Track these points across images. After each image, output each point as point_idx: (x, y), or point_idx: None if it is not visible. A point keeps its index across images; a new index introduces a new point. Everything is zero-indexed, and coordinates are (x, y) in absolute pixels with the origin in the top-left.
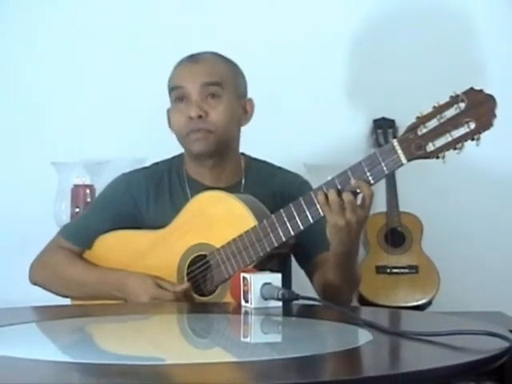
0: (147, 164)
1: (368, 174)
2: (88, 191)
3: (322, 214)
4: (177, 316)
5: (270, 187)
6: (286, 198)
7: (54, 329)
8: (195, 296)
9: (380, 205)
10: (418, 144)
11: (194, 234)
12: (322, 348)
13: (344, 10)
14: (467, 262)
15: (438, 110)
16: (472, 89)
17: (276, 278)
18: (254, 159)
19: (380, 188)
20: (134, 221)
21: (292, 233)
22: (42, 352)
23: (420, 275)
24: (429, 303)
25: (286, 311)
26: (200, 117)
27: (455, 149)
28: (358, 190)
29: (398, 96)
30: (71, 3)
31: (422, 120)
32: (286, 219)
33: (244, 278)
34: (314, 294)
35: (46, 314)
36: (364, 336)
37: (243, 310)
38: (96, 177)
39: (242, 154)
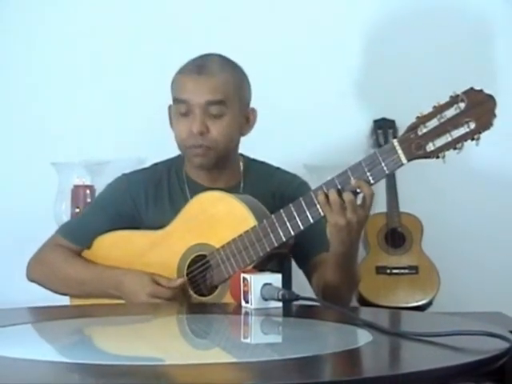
0: (147, 164)
1: (368, 173)
2: (88, 192)
3: (322, 213)
4: (176, 316)
5: (269, 188)
6: (285, 199)
7: (52, 329)
8: (195, 296)
9: (380, 205)
10: (418, 144)
11: (193, 234)
12: (322, 349)
13: (344, 12)
14: (467, 262)
15: (438, 109)
16: (472, 89)
17: (276, 279)
18: (253, 160)
19: (380, 188)
20: (133, 221)
21: (292, 233)
22: (41, 352)
23: (420, 276)
24: (429, 304)
25: (286, 312)
26: (201, 133)
27: (455, 148)
28: (359, 190)
29: (398, 96)
30: (71, 3)
31: (422, 120)
32: (286, 219)
33: (244, 278)
34: (313, 295)
35: (44, 315)
36: (364, 336)
37: (243, 310)
38: (96, 177)
39: (241, 154)
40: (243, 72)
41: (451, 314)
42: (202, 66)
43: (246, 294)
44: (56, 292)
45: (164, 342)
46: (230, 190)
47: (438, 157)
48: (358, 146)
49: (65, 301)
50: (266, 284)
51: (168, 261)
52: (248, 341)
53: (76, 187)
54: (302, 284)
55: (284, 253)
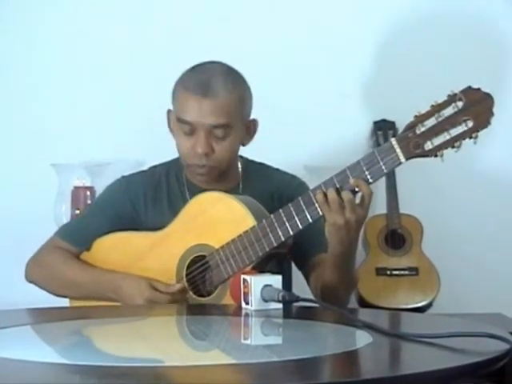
0: (147, 166)
1: (367, 172)
2: (88, 193)
3: (320, 213)
4: (176, 318)
5: (268, 189)
6: (284, 200)
7: (52, 331)
8: (194, 297)
9: (380, 206)
10: (416, 143)
11: (193, 235)
12: (322, 350)
13: (345, 14)
14: (467, 263)
15: (436, 108)
16: (470, 87)
17: (276, 280)
18: (252, 161)
19: (380, 189)
20: (132, 223)
21: (291, 232)
22: (41, 354)
23: (420, 277)
24: (429, 305)
25: (287, 313)
26: (206, 154)
27: (453, 147)
28: (357, 189)
29: (398, 98)
30: (71, 3)
31: (420, 119)
32: (285, 219)
33: (244, 279)
34: (312, 296)
35: (44, 316)
36: (364, 338)
37: (243, 311)
38: (96, 179)
39: (240, 156)
40: (246, 83)
41: (451, 315)
42: (206, 85)
43: (246, 295)
44: (54, 294)
45: (163, 343)
46: (230, 191)
47: (436, 155)
48: (358, 147)
49: (64, 302)
50: (266, 285)
51: (167, 262)
52: (248, 342)
53: (76, 188)
54: (302, 285)
55: (283, 253)
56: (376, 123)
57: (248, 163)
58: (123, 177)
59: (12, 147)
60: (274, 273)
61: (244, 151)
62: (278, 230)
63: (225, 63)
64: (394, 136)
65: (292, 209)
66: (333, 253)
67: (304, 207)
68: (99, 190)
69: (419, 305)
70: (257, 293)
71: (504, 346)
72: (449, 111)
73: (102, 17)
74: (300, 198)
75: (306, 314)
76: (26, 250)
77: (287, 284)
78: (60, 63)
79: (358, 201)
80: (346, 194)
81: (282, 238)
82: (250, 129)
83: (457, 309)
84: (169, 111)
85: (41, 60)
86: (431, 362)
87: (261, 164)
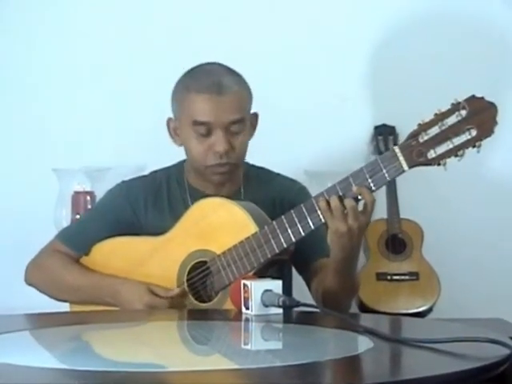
0: (148, 171)
1: (369, 180)
2: (88, 198)
3: (323, 220)
4: (177, 323)
5: (269, 194)
6: (285, 204)
7: (51, 336)
8: (195, 302)
9: (380, 211)
10: (419, 151)
11: (194, 241)
12: (322, 355)
13: (345, 18)
14: (468, 268)
15: (440, 117)
16: (473, 96)
17: (277, 285)
18: (252, 166)
19: (380, 194)
20: (133, 228)
21: (293, 239)
22: (40, 359)
23: (421, 282)
24: (429, 310)
25: (287, 318)
26: (227, 152)
27: (456, 156)
28: (360, 197)
29: (398, 103)
30: (71, 3)
31: (424, 127)
32: (287, 225)
33: (245, 284)
34: (313, 301)
35: (42, 322)
36: (365, 343)
37: (244, 316)
38: (97, 183)
39: None
40: (246, 81)
41: (452, 320)
42: (218, 84)
43: (246, 300)
44: (53, 297)
45: (164, 348)
46: (232, 196)
47: (439, 164)
48: (359, 152)
49: (63, 307)
50: (266, 290)
51: (168, 267)
52: (249, 347)
53: (76, 193)
54: (302, 290)
55: (285, 259)
56: (376, 128)
57: (249, 168)
58: (123, 181)
59: (13, 151)
60: (274, 278)
61: (246, 157)
62: (280, 236)
63: (220, 63)
64: (394, 141)
65: (294, 215)
66: (334, 259)
67: (306, 214)
68: (99, 194)
69: (419, 310)
70: (257, 298)
71: (504, 351)
72: (452, 120)
73: (102, 18)
74: (302, 204)
75: (307, 319)
76: (27, 254)
77: (287, 289)
78: (60, 65)
79: (360, 208)
80: (348, 202)
81: (284, 245)
82: (253, 123)
83: (457, 314)
84: (169, 120)
85: (41, 61)
86: (432, 367)
87: (262, 169)
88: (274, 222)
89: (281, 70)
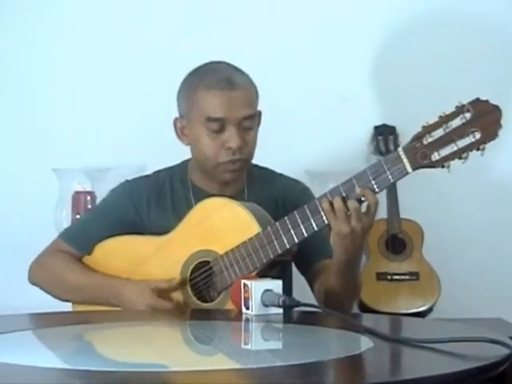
0: (148, 171)
1: (373, 182)
2: (89, 198)
3: (326, 221)
4: (179, 323)
5: (272, 194)
6: (287, 204)
7: (53, 336)
8: (197, 302)
9: (381, 211)
10: (423, 153)
11: (197, 241)
12: (323, 355)
13: (345, 18)
14: (468, 268)
15: (444, 119)
16: (478, 99)
17: (277, 285)
18: (256, 166)
19: (381, 194)
20: (135, 228)
21: (296, 240)
22: (42, 359)
23: (421, 282)
24: (429, 310)
25: (287, 318)
26: (240, 148)
27: (460, 158)
28: (363, 198)
29: (398, 103)
30: (71, 3)
31: (428, 129)
32: (290, 226)
33: (245, 284)
34: (314, 301)
35: (45, 321)
36: (365, 343)
37: (244, 316)
38: (97, 183)
39: None
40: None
41: (452, 320)
42: (228, 80)
43: (246, 300)
44: (56, 297)
45: (167, 348)
46: (236, 196)
47: (443, 166)
48: (359, 152)
49: (65, 307)
50: (266, 290)
51: (171, 267)
52: (250, 347)
53: (77, 193)
54: (302, 290)
55: (287, 260)
56: (376, 128)
57: (252, 168)
58: (127, 181)
59: (13, 152)
60: (274, 278)
61: None
62: (283, 237)
63: (226, 61)
64: (394, 141)
65: (297, 216)
66: (337, 260)
67: (310, 215)
68: (100, 194)
69: (420, 310)
70: (257, 298)
71: (504, 351)
72: (456, 122)
73: (102, 18)
74: (306, 206)
75: (307, 318)
76: (27, 254)
77: (288, 289)
78: (60, 65)
79: (363, 210)
80: (351, 203)
81: (287, 246)
82: (259, 120)
83: (457, 314)
84: (176, 119)
85: (41, 61)
86: (432, 366)
87: (265, 169)
88: (277, 223)
89: (281, 70)
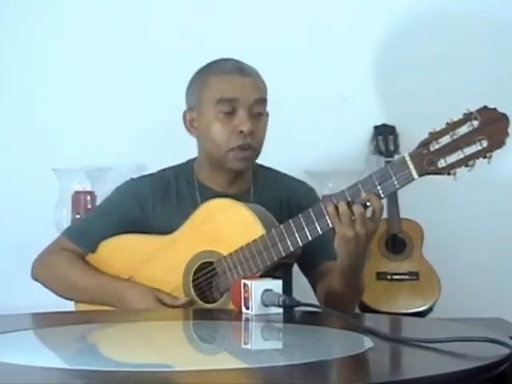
0: (148, 171)
1: (379, 187)
2: (89, 198)
3: (330, 225)
4: (182, 322)
5: (277, 194)
6: (292, 205)
7: (55, 335)
8: (200, 303)
9: None
10: (429, 160)
11: (201, 241)
12: (323, 355)
13: (345, 17)
14: (468, 268)
15: (451, 126)
16: (486, 107)
17: (277, 285)
18: (261, 166)
19: None
20: (140, 226)
21: (300, 243)
22: (43, 359)
23: (421, 282)
24: (429, 310)
25: (287, 318)
26: (251, 133)
27: (467, 166)
28: (368, 203)
29: (398, 103)
30: (71, 3)
31: (435, 136)
32: (294, 229)
33: (245, 284)
34: (314, 301)
35: (46, 321)
36: (365, 343)
37: (244, 316)
38: (97, 183)
39: None
40: None
41: (452, 320)
42: (241, 67)
43: (246, 300)
44: (58, 295)
45: (170, 347)
46: (241, 195)
47: (449, 173)
48: (359, 152)
49: (66, 307)
50: (266, 290)
51: (174, 266)
52: (253, 347)
53: (76, 193)
54: (302, 290)
55: (291, 263)
56: (376, 128)
57: (258, 167)
58: (132, 179)
59: (12, 152)
60: (274, 277)
61: None
62: (287, 240)
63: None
64: (394, 141)
65: (302, 219)
66: (341, 264)
67: (314, 218)
68: (100, 194)
69: (420, 309)
70: (257, 297)
71: (504, 351)
72: (464, 130)
73: (101, 18)
74: (311, 209)
75: (307, 318)
76: (27, 255)
77: (288, 289)
78: (60, 65)
79: (368, 214)
80: (357, 208)
81: (291, 249)
82: (267, 118)
83: (457, 313)
84: (185, 112)
85: (41, 61)
86: (432, 366)
87: (269, 169)
88: (282, 226)
89: (281, 70)
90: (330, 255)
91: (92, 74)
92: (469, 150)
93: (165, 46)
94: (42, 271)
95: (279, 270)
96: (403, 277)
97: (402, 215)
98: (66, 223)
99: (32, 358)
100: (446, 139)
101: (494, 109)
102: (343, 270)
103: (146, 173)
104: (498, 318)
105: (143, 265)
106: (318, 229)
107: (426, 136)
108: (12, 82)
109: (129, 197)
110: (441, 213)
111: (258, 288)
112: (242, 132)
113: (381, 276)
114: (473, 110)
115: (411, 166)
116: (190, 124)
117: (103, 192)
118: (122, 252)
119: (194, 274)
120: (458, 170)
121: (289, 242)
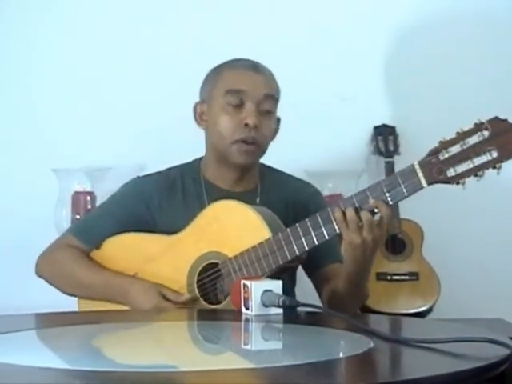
0: (148, 171)
1: (387, 194)
2: (89, 198)
3: (337, 231)
4: (187, 323)
5: (283, 194)
6: (297, 206)
7: (57, 336)
8: (204, 303)
9: None
10: (439, 168)
11: (207, 242)
12: (323, 355)
13: (346, 17)
14: (468, 268)
15: (462, 136)
16: (497, 118)
17: (276, 285)
18: (268, 166)
19: None
20: (146, 224)
21: (306, 248)
22: (44, 359)
23: (420, 282)
24: (429, 310)
25: (287, 318)
26: (256, 127)
27: (476, 175)
28: (376, 210)
29: (398, 103)
30: (71, 4)
31: (445, 145)
32: (301, 234)
33: (245, 285)
34: (315, 302)
35: (48, 321)
36: (365, 343)
37: (244, 317)
38: (97, 183)
39: None
40: None
41: (452, 320)
42: (255, 65)
43: (246, 300)
44: (62, 291)
45: (175, 348)
46: (248, 194)
47: (458, 183)
48: (359, 152)
49: (67, 307)
50: (266, 290)
51: (179, 266)
52: (256, 347)
53: (76, 193)
54: (304, 291)
55: (296, 266)
56: (376, 128)
57: (264, 168)
58: (138, 177)
59: (12, 152)
60: (274, 278)
61: None
62: (294, 244)
63: None
64: (394, 141)
65: (309, 224)
66: (347, 270)
67: (321, 223)
68: (100, 194)
69: (419, 310)
70: (257, 298)
71: (504, 352)
72: (474, 139)
73: (101, 18)
74: (318, 214)
75: (307, 319)
76: (27, 255)
77: (291, 291)
78: (60, 65)
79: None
80: (364, 214)
81: (297, 253)
82: (277, 123)
83: (457, 314)
84: (196, 104)
85: (41, 61)
86: (431, 367)
87: (276, 170)
88: (288, 230)
89: (281, 69)
90: (335, 258)
91: (92, 74)
92: (478, 160)
93: (165, 46)
94: (47, 268)
95: (284, 273)
96: (403, 277)
97: (401, 215)
98: (65, 223)
99: (32, 358)
100: (455, 148)
101: (505, 120)
102: (349, 275)
103: (145, 173)
104: (497, 319)
105: (148, 264)
106: (325, 234)
107: (436, 144)
108: (12, 82)
109: (135, 195)
110: (440, 213)
111: (258, 288)
112: (247, 125)
113: (381, 276)
114: (483, 119)
115: (420, 174)
116: (200, 117)
117: (103, 192)
118: (127, 250)
119: (199, 274)
120: (466, 180)
121: (295, 246)
